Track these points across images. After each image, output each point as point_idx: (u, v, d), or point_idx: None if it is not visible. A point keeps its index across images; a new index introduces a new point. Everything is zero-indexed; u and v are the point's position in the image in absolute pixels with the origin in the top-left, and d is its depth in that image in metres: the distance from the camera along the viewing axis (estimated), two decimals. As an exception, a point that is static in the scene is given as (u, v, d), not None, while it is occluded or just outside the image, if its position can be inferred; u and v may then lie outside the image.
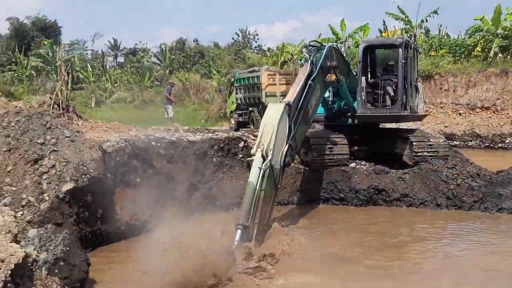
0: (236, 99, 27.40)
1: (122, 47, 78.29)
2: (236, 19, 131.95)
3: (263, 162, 8.36)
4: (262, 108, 23.64)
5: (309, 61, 11.00)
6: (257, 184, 8.15)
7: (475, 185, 12.04)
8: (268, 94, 23.83)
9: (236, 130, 22.37)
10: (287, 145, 9.12)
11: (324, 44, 12.13)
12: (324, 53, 11.33)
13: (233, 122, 28.13)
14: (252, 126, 24.14)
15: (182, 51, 67.80)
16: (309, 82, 10.56)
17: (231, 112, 28.70)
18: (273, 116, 9.02)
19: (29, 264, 5.40)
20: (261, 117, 22.79)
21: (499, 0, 33.44)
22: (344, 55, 37.23)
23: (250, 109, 25.69)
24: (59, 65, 25.45)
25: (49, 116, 8.74)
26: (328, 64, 11.47)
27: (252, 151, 8.64)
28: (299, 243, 8.71)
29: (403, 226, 10.78)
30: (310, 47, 11.89)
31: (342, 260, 8.45)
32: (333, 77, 11.73)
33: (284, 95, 22.27)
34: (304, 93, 10.26)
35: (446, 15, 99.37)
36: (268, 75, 24.23)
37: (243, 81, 26.52)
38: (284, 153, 9.00)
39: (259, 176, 8.22)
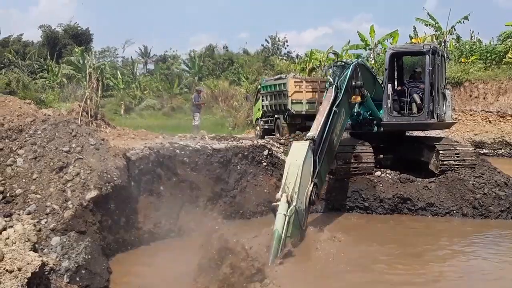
0: (262, 106, 27.38)
1: (152, 54, 79.25)
2: (268, 26, 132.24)
3: (288, 208, 8.28)
4: (288, 115, 23.84)
5: (334, 86, 10.93)
6: (282, 232, 8.06)
7: (502, 195, 11.87)
8: (294, 101, 23.73)
9: (262, 137, 22.41)
10: (312, 183, 9.06)
11: (348, 63, 12.04)
12: (348, 74, 11.27)
13: (258, 129, 28.14)
14: (277, 134, 24.05)
15: (211, 58, 68.21)
16: (334, 108, 10.50)
17: (257, 119, 28.71)
18: (297, 156, 8.92)
19: (46, 273, 5.48)
20: (287, 124, 23.48)
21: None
22: (373, 61, 37.20)
23: (276, 116, 25.60)
24: (88, 72, 25.91)
25: (75, 124, 8.86)
26: (353, 83, 11.45)
27: (277, 195, 8.54)
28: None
29: (428, 235, 10.67)
30: (335, 67, 11.86)
31: (364, 268, 8.39)
32: (358, 98, 11.75)
33: (310, 102, 22.91)
34: (329, 122, 10.21)
35: (479, 21, 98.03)
36: (295, 82, 24.09)
37: (269, 88, 26.47)
38: (309, 192, 8.93)
39: (284, 223, 8.13)
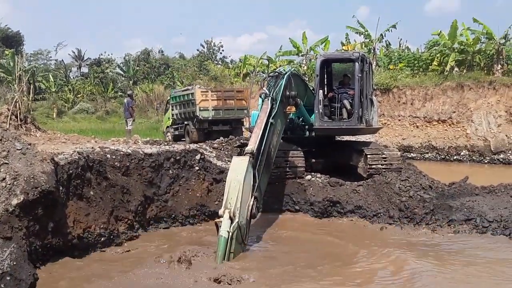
0: (172, 115, 30.31)
1: (87, 57, 77.44)
2: (204, 31, 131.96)
3: (231, 224, 8.46)
4: (196, 121, 27.21)
5: (270, 97, 11.15)
6: (226, 250, 8.33)
7: (427, 197, 12.21)
8: (201, 108, 26.83)
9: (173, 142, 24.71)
10: (253, 198, 9.19)
11: (281, 72, 12.28)
12: (283, 84, 11.52)
13: (169, 135, 30.75)
14: (187, 138, 27.33)
15: (147, 62, 67.53)
16: (271, 120, 10.72)
17: (167, 127, 31.71)
18: (238, 171, 9.08)
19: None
20: (196, 129, 26.62)
21: (456, 16, 34.64)
22: (306, 67, 37.85)
23: (185, 122, 28.37)
24: (18, 75, 25.10)
25: (0, 129, 8.66)
26: (288, 94, 11.72)
27: (220, 212, 8.72)
28: None
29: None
30: (269, 78, 12.08)
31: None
32: (293, 109, 12.03)
33: (215, 109, 26.62)
34: (266, 134, 10.39)
35: (409, 28, 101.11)
36: (201, 92, 27.33)
37: (178, 99, 29.53)
38: (250, 207, 9.07)
39: (228, 240, 8.37)
